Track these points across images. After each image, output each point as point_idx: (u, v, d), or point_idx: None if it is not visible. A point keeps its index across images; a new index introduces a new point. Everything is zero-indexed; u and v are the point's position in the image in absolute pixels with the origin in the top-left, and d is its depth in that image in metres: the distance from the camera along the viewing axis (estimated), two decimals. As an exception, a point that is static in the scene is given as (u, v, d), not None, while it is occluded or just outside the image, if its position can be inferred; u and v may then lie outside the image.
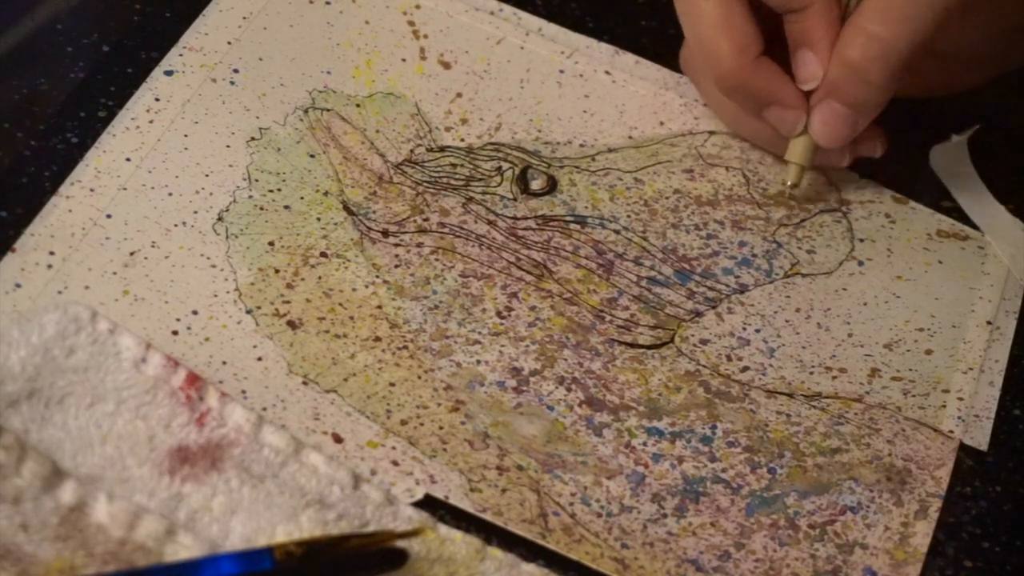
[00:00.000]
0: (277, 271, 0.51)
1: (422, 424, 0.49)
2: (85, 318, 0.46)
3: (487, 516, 0.47)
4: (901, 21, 0.52)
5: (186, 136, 0.54)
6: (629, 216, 0.56)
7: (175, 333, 0.49)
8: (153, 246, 0.51)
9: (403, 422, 0.48)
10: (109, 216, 0.51)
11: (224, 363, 0.48)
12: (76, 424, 0.44)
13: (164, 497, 0.44)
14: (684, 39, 0.57)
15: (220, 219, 0.52)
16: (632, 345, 0.52)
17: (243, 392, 0.48)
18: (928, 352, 0.54)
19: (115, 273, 0.49)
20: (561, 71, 0.60)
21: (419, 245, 0.53)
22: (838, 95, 0.53)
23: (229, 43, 0.57)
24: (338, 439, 0.47)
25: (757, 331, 0.54)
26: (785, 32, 0.55)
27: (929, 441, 0.51)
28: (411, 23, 0.60)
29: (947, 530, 0.49)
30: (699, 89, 0.59)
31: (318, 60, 0.58)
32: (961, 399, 0.53)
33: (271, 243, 0.52)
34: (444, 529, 0.46)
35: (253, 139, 0.55)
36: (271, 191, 0.53)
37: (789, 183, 0.56)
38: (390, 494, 0.46)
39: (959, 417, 0.52)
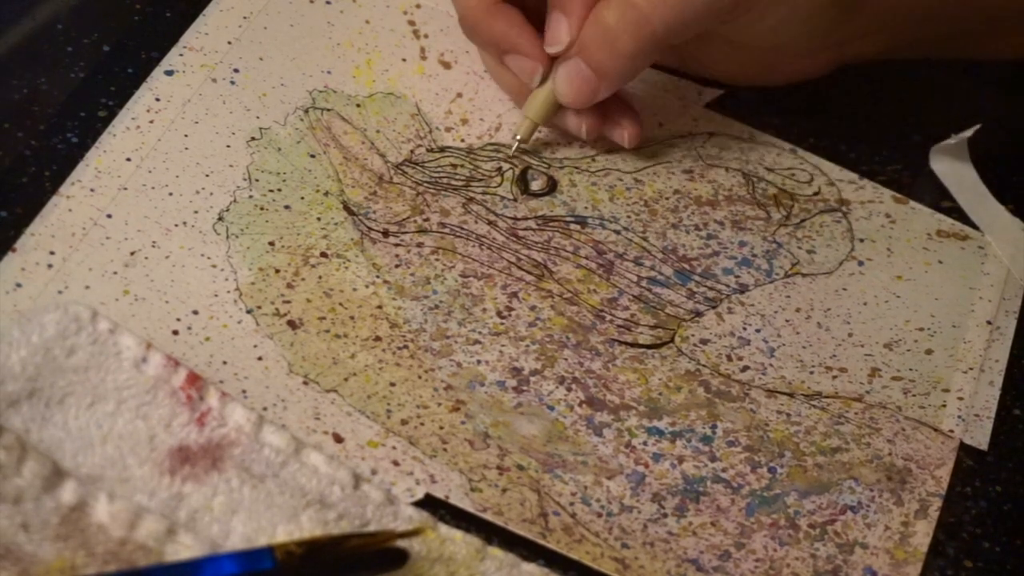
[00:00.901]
0: (277, 271, 0.51)
1: (422, 424, 0.49)
2: (85, 318, 0.46)
3: (487, 516, 0.47)
4: (665, 3, 0.52)
5: (186, 136, 0.54)
6: (629, 216, 0.56)
7: (175, 333, 0.49)
8: (153, 246, 0.51)
9: (403, 422, 0.48)
10: (109, 216, 0.51)
11: (224, 363, 0.48)
12: (76, 424, 0.44)
13: (165, 497, 0.44)
14: None
15: (220, 219, 0.52)
16: (632, 345, 0.52)
17: (243, 392, 0.48)
18: (928, 352, 0.54)
19: (115, 273, 0.49)
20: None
21: (419, 245, 0.53)
22: (585, 55, 0.53)
23: (229, 43, 0.57)
24: (338, 439, 0.47)
25: (757, 331, 0.54)
26: None
27: (929, 441, 0.51)
28: (411, 23, 0.60)
29: (947, 530, 0.49)
30: None
31: (318, 60, 0.58)
32: (961, 399, 0.53)
33: (271, 243, 0.52)
34: (444, 529, 0.46)
35: (253, 139, 0.55)
36: (271, 191, 0.53)
37: (518, 137, 0.56)
38: (390, 494, 0.46)
39: (959, 417, 0.52)
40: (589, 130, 0.56)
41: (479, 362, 0.51)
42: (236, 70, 0.56)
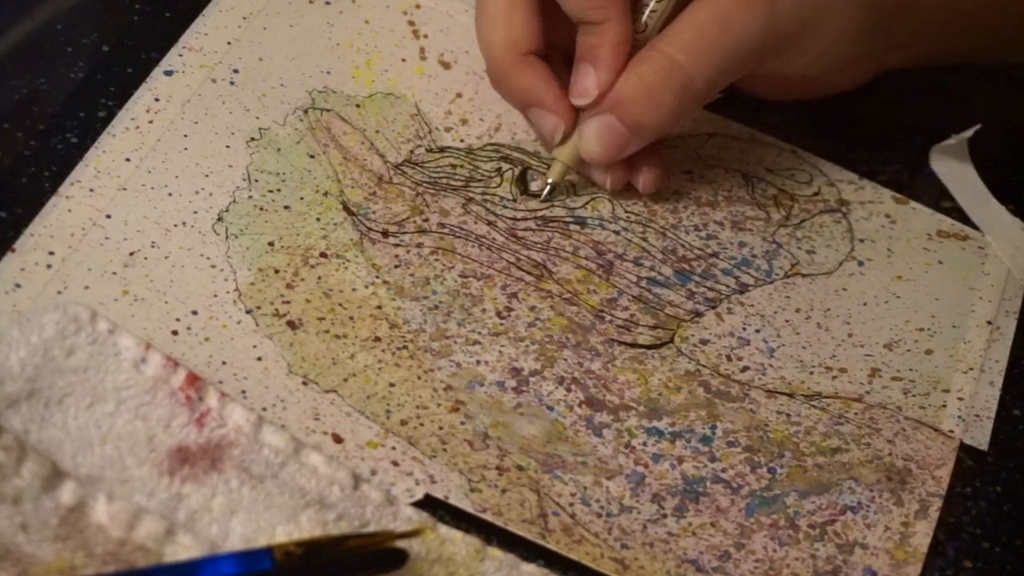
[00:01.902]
0: (277, 271, 0.51)
1: (422, 424, 0.49)
2: (85, 318, 0.46)
3: (487, 516, 0.47)
4: (705, 58, 0.51)
5: (186, 136, 0.54)
6: (629, 217, 0.56)
7: (175, 333, 0.49)
8: (153, 246, 0.51)
9: (403, 422, 0.48)
10: (109, 216, 0.51)
11: (224, 363, 0.48)
12: (76, 424, 0.44)
13: (164, 497, 0.44)
14: None
15: (220, 219, 0.52)
16: (632, 345, 0.52)
17: (243, 392, 0.48)
18: (928, 352, 0.54)
19: (115, 273, 0.49)
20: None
21: (419, 245, 0.53)
22: (621, 112, 0.52)
23: (229, 43, 0.57)
24: (338, 439, 0.47)
25: (757, 331, 0.54)
26: (576, 42, 0.53)
27: (929, 441, 0.51)
28: (411, 23, 0.60)
29: (947, 530, 0.49)
30: None
31: (318, 60, 0.58)
32: (961, 399, 0.53)
33: (271, 243, 0.52)
34: (444, 529, 0.46)
35: (253, 139, 0.55)
36: (271, 191, 0.53)
37: (549, 180, 0.55)
38: (390, 494, 0.46)
39: (959, 417, 0.52)
40: (615, 181, 0.55)
41: (479, 362, 0.51)
42: (236, 70, 0.56)
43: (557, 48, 0.55)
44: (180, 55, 0.56)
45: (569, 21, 0.53)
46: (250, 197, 0.53)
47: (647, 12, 0.53)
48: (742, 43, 0.52)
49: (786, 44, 0.53)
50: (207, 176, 0.53)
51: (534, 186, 0.56)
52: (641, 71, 0.52)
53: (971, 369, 0.54)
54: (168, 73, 0.55)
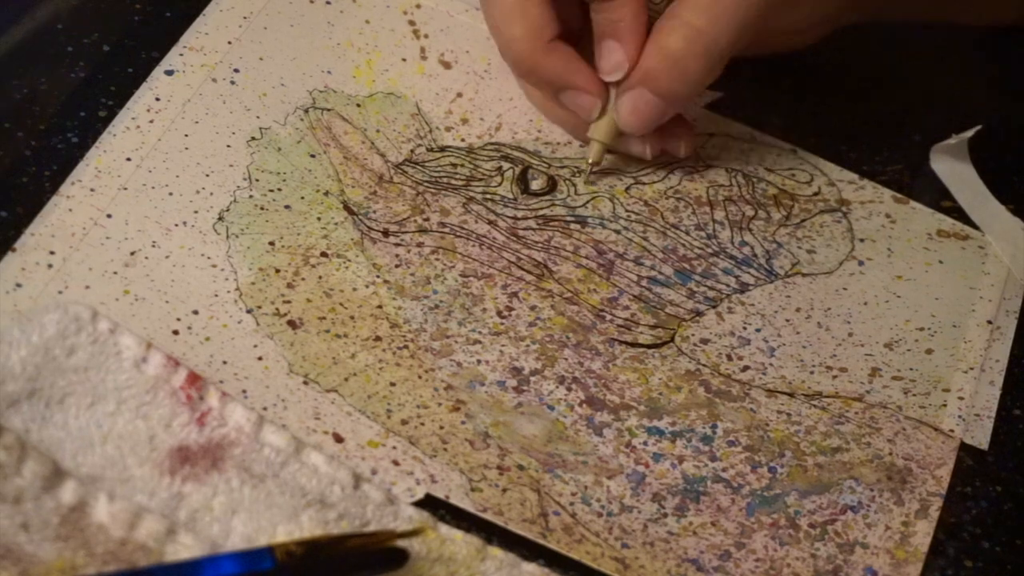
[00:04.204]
0: (278, 271, 0.51)
1: (423, 424, 0.49)
2: (86, 318, 0.46)
3: (488, 516, 0.47)
4: (724, 18, 0.52)
5: (186, 136, 0.54)
6: (629, 216, 0.56)
7: (176, 333, 0.49)
8: (154, 246, 0.51)
9: (404, 422, 0.48)
10: (109, 216, 0.51)
11: (225, 363, 0.48)
12: (77, 424, 0.44)
13: (165, 497, 0.44)
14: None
15: (221, 219, 0.52)
16: (632, 344, 0.52)
17: (244, 392, 0.48)
18: (928, 352, 0.54)
19: (115, 273, 0.49)
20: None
21: (419, 245, 0.53)
22: (652, 84, 0.53)
23: (229, 43, 0.57)
24: (339, 439, 0.47)
25: (757, 331, 0.54)
26: (592, 21, 0.54)
27: (930, 440, 0.51)
28: (412, 23, 0.60)
29: (947, 529, 0.49)
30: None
31: (318, 60, 0.58)
32: (962, 398, 0.53)
33: (271, 243, 0.52)
34: (445, 529, 0.46)
35: (254, 139, 0.55)
36: (271, 191, 0.53)
37: (590, 160, 0.56)
38: (391, 494, 0.46)
39: (960, 416, 0.52)
40: (653, 149, 0.57)
41: (479, 362, 0.51)
42: (236, 70, 0.56)
43: (570, 27, 0.56)
44: (181, 55, 0.56)
45: (575, 2, 0.54)
46: (251, 196, 0.53)
47: None
48: None
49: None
50: (208, 176, 0.53)
51: (535, 185, 0.56)
52: (664, 41, 0.53)
53: (971, 369, 0.54)
54: (169, 73, 0.55)
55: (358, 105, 0.57)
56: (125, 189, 0.52)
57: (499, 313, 0.52)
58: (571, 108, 0.55)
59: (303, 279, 0.51)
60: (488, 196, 0.55)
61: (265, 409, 0.47)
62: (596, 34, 0.54)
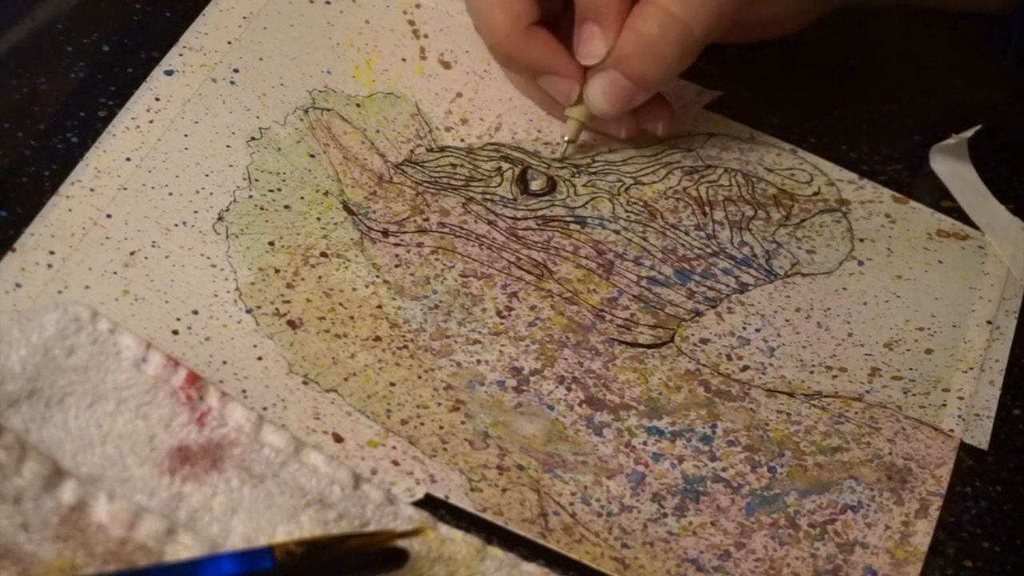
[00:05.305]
0: (277, 271, 0.51)
1: (422, 424, 0.49)
2: (85, 318, 0.46)
3: (487, 516, 0.47)
4: (699, 5, 0.52)
5: (186, 136, 0.54)
6: (629, 216, 0.56)
7: (175, 333, 0.49)
8: (153, 246, 0.51)
9: (403, 422, 0.48)
10: (109, 216, 0.51)
11: (224, 363, 0.48)
12: (76, 424, 0.44)
13: (164, 497, 0.44)
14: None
15: (220, 219, 0.52)
16: (632, 344, 0.52)
17: (243, 392, 0.48)
18: (928, 351, 0.54)
19: (115, 273, 0.49)
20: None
21: (419, 245, 0.53)
22: (625, 67, 0.53)
23: (229, 43, 0.57)
24: (338, 439, 0.47)
25: (757, 330, 0.54)
26: (575, 2, 0.54)
27: (929, 440, 0.51)
28: (411, 23, 0.60)
29: (947, 529, 0.49)
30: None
31: (318, 60, 0.58)
32: (961, 398, 0.53)
33: (271, 243, 0.52)
34: (444, 529, 0.46)
35: (253, 139, 0.55)
36: (271, 191, 0.53)
37: (567, 138, 0.56)
38: (390, 494, 0.46)
39: (959, 416, 0.52)
40: (628, 130, 0.57)
41: (479, 362, 0.51)
42: (236, 70, 0.56)
43: (549, 11, 0.56)
44: (180, 55, 0.56)
45: None
46: (250, 197, 0.53)
47: None
48: None
49: None
50: (207, 176, 0.53)
51: (534, 185, 0.56)
52: (639, 26, 0.53)
53: (971, 368, 0.54)
54: (168, 73, 0.55)
55: (358, 105, 0.57)
56: (125, 189, 0.52)
57: (499, 313, 0.52)
58: (550, 92, 0.56)
59: (303, 279, 0.51)
60: (488, 196, 0.56)
61: (265, 409, 0.47)
62: (577, 16, 0.54)
